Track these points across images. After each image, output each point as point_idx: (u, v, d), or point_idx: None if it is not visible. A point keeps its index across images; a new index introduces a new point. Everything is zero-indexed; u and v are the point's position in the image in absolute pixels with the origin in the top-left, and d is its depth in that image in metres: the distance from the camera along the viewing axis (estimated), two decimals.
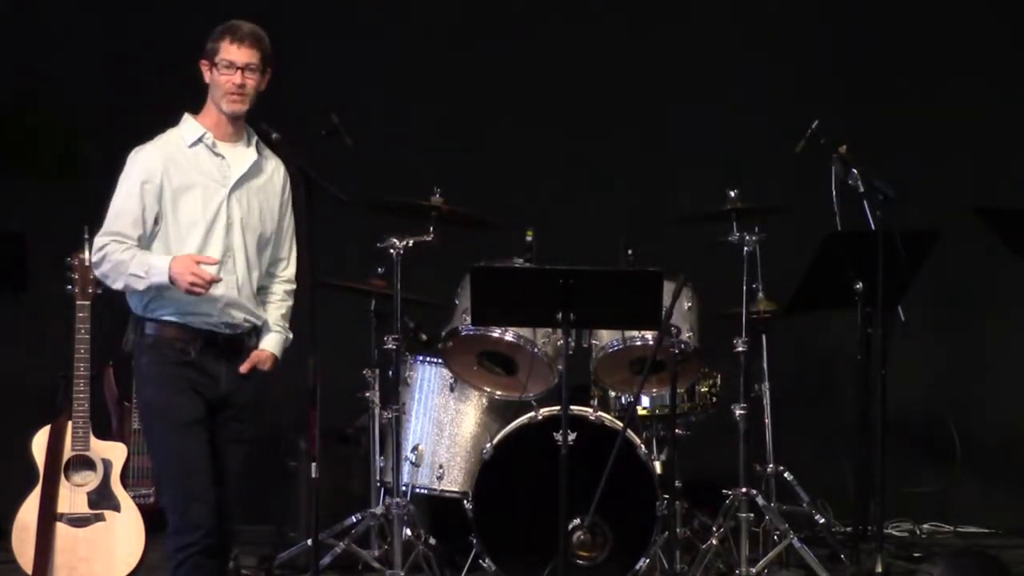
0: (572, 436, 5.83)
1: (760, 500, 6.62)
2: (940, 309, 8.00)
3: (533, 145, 8.11)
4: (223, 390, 5.20)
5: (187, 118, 5.27)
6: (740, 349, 6.63)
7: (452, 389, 6.82)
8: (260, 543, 7.07)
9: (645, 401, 6.94)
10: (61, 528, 6.31)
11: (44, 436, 6.37)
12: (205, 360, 5.17)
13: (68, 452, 6.35)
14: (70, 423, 6.36)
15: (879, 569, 6.26)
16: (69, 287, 6.35)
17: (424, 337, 6.98)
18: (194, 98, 5.29)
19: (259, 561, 6.91)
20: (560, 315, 5.78)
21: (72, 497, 6.33)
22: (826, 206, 6.49)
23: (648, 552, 6.42)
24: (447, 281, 6.83)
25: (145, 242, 5.15)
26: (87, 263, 6.32)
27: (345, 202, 5.32)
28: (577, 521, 6.22)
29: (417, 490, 6.74)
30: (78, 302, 6.33)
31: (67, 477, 6.35)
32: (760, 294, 6.90)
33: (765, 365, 7.12)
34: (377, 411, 6.87)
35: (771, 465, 7.06)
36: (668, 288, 6.15)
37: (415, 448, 6.74)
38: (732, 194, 6.74)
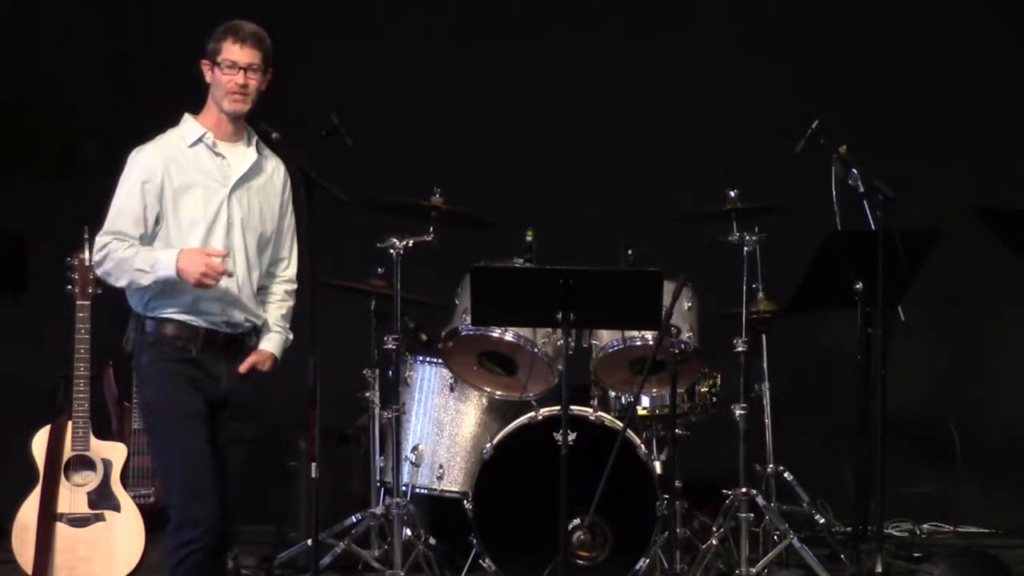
0: (572, 436, 5.83)
1: (760, 500, 6.62)
2: (940, 309, 8.00)
3: (533, 145, 8.11)
4: (223, 389, 5.21)
5: (187, 118, 5.27)
6: (740, 349, 6.63)
7: (452, 389, 6.82)
8: (260, 543, 7.08)
9: (645, 401, 6.94)
10: (61, 528, 6.31)
11: (44, 436, 6.37)
12: (206, 359, 5.17)
13: (68, 452, 6.35)
14: (70, 423, 6.36)
15: (879, 569, 6.25)
16: (69, 287, 6.35)
17: (424, 337, 6.98)
18: (194, 98, 5.29)
19: (259, 561, 6.91)
20: (560, 315, 5.77)
21: (72, 497, 6.33)
22: (826, 206, 6.49)
23: (648, 552, 6.43)
24: (447, 281, 6.83)
25: (146, 242, 5.15)
26: (87, 263, 6.32)
27: (345, 202, 5.32)
28: (577, 521, 6.22)
29: (417, 490, 6.74)
30: (78, 302, 6.33)
31: (67, 477, 6.35)
32: (760, 294, 6.90)
33: (765, 365, 7.13)
34: (377, 411, 6.87)
35: (771, 465, 7.07)
36: (668, 288, 6.15)
37: (415, 448, 6.75)
38: (732, 194, 6.75)
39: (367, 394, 6.94)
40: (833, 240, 6.53)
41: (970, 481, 8.03)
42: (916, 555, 7.16)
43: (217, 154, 5.23)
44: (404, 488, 6.63)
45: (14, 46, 7.96)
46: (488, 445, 6.56)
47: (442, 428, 6.80)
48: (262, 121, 5.29)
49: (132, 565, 6.29)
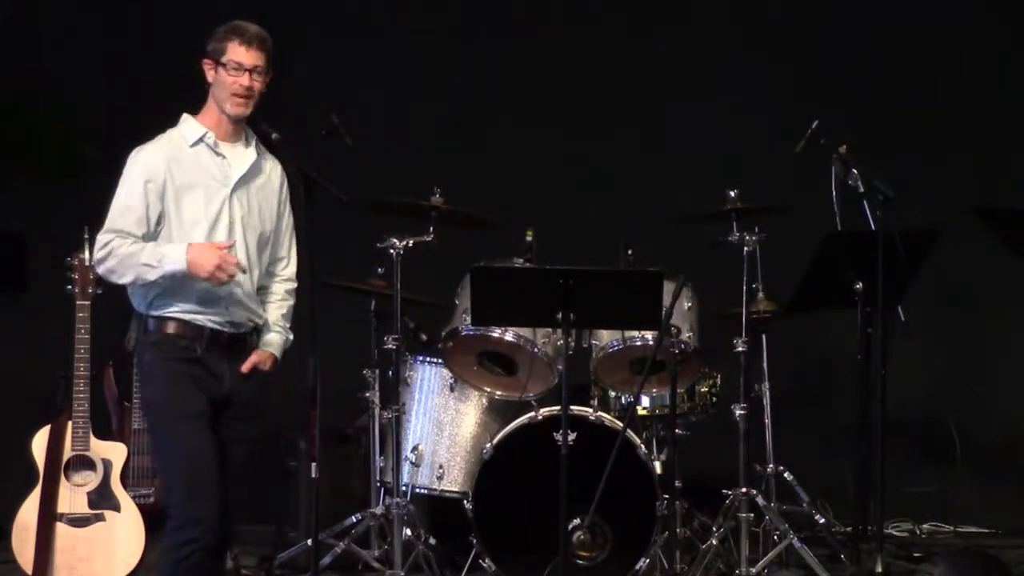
0: (572, 436, 5.83)
1: (760, 500, 6.62)
2: (940, 309, 8.00)
3: (533, 145, 8.11)
4: (226, 389, 5.20)
5: (187, 118, 5.27)
6: (740, 349, 6.63)
7: (452, 389, 6.82)
8: (260, 543, 7.08)
9: (645, 401, 6.94)
10: (61, 528, 6.31)
11: (44, 436, 6.37)
12: (210, 358, 5.17)
13: (68, 452, 6.35)
14: (70, 423, 6.36)
15: (879, 569, 6.25)
16: (69, 287, 6.35)
17: (424, 337, 6.98)
18: (194, 98, 5.28)
19: (259, 561, 6.91)
20: (560, 315, 5.77)
21: (72, 497, 6.33)
22: (826, 206, 6.48)
23: (648, 552, 6.43)
24: (447, 281, 6.83)
25: (148, 241, 5.14)
26: (87, 263, 6.33)
27: (345, 202, 5.32)
28: (577, 521, 6.22)
29: (417, 490, 6.74)
30: (78, 302, 6.33)
31: (67, 477, 6.35)
32: (760, 294, 6.90)
33: (765, 365, 7.13)
34: (377, 411, 6.88)
35: (771, 465, 7.07)
36: (668, 288, 6.15)
37: (415, 448, 6.75)
38: (732, 194, 6.75)
39: (367, 394, 6.94)
40: (833, 240, 6.53)
41: (970, 481, 8.03)
42: (916, 555, 7.16)
43: (218, 154, 5.23)
44: (404, 488, 6.63)
45: (14, 46, 7.96)
46: (488, 445, 6.56)
47: (442, 428, 6.80)
48: (262, 121, 5.28)
49: (132, 565, 6.29)
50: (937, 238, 6.59)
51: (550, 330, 6.50)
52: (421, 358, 6.87)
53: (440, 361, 6.78)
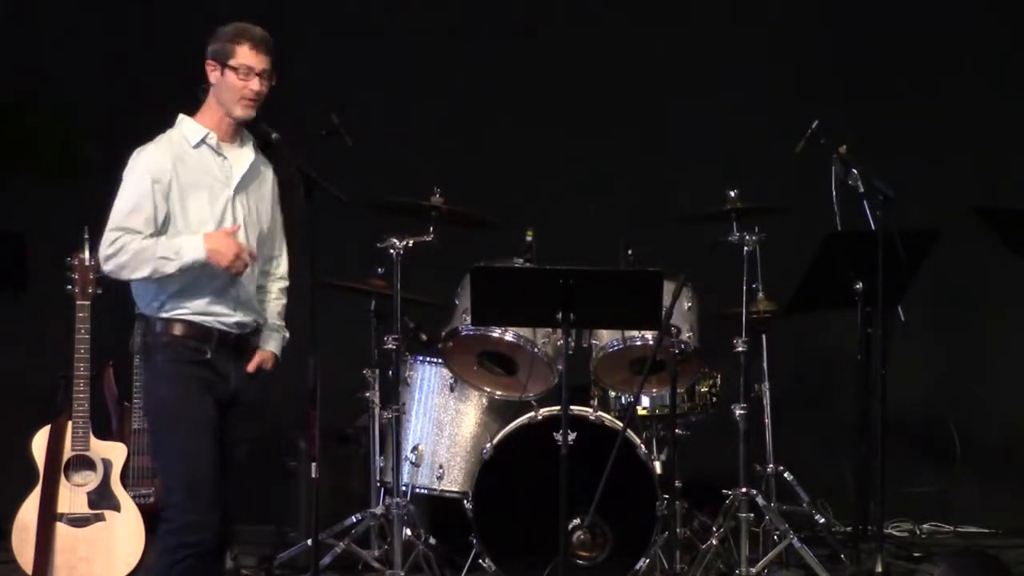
0: (572, 436, 5.83)
1: (760, 500, 6.62)
2: (940, 309, 8.00)
3: (533, 145, 8.11)
4: (232, 388, 5.20)
5: (185, 119, 5.24)
6: (740, 349, 6.63)
7: (452, 389, 6.82)
8: (260, 543, 7.08)
9: (645, 401, 6.94)
10: (61, 528, 6.31)
11: (44, 436, 6.37)
12: (219, 360, 5.17)
13: (68, 452, 6.35)
14: (70, 423, 6.36)
15: (879, 569, 6.25)
16: (69, 287, 6.35)
17: (424, 337, 6.98)
18: (194, 98, 5.27)
19: (259, 561, 6.91)
20: (560, 315, 5.77)
21: (72, 497, 6.33)
22: (826, 206, 6.48)
23: (648, 552, 6.42)
24: (447, 281, 6.83)
25: None
26: (87, 263, 6.33)
27: (345, 202, 5.32)
28: (577, 521, 6.22)
29: (417, 490, 6.74)
30: (78, 302, 6.33)
31: (67, 477, 6.35)
32: (760, 294, 6.90)
33: (765, 365, 7.13)
34: (377, 411, 6.88)
35: (771, 465, 7.07)
36: (668, 288, 6.15)
37: (415, 448, 6.75)
38: (732, 194, 6.75)
39: (367, 394, 6.94)
40: (833, 240, 6.52)
41: (970, 481, 8.03)
42: (916, 555, 7.17)
43: (220, 155, 5.23)
44: (404, 488, 6.63)
45: (14, 46, 7.96)
46: (488, 445, 6.56)
47: (442, 428, 6.80)
48: (262, 121, 5.28)
49: (132, 565, 6.29)
50: (937, 238, 6.58)
51: (550, 330, 6.50)
52: (421, 358, 6.87)
53: (440, 361, 6.78)
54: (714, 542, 6.56)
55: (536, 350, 6.55)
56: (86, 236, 6.33)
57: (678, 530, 6.61)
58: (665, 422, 6.85)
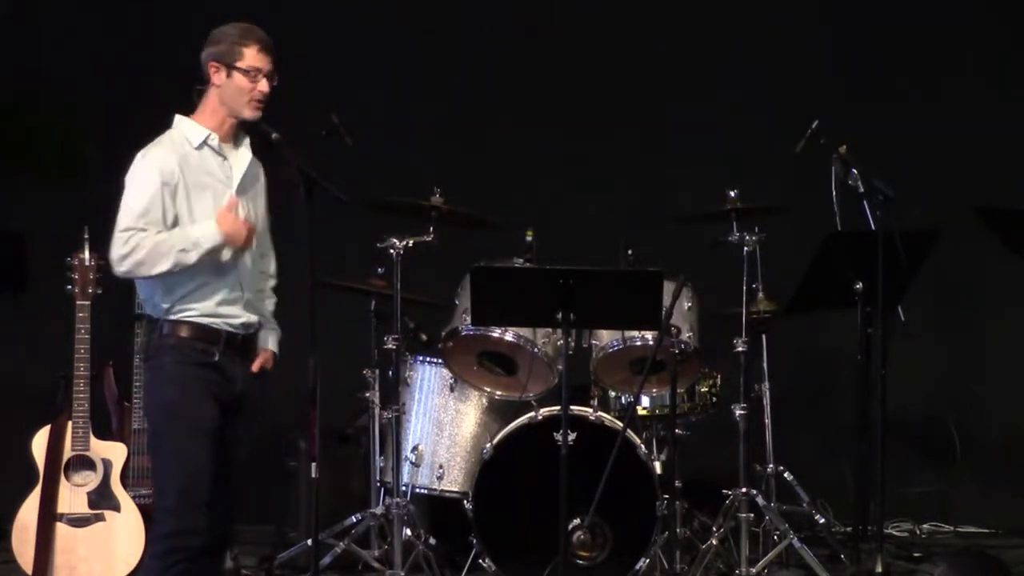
0: (572, 436, 5.83)
1: (760, 500, 6.62)
2: (940, 309, 8.00)
3: (533, 145, 8.10)
4: (238, 390, 5.20)
5: (183, 120, 5.22)
6: (740, 349, 6.63)
7: (452, 389, 6.82)
8: (260, 543, 7.08)
9: (645, 401, 6.94)
10: (61, 528, 6.31)
11: (44, 436, 6.38)
12: (226, 362, 5.16)
13: (68, 452, 6.35)
14: (70, 423, 6.36)
15: (879, 569, 6.25)
16: (69, 287, 6.35)
17: (424, 337, 6.98)
18: (191, 98, 5.27)
19: (259, 561, 6.91)
20: (560, 315, 5.77)
21: (72, 497, 6.33)
22: (826, 206, 6.49)
23: (648, 552, 6.42)
24: (447, 281, 6.83)
25: None
26: (87, 263, 6.33)
27: (345, 202, 5.31)
28: (577, 521, 6.22)
29: (417, 490, 6.74)
30: (78, 302, 6.33)
31: (67, 477, 6.35)
32: (760, 294, 6.90)
33: (765, 365, 7.13)
34: (377, 411, 6.88)
35: (771, 465, 7.07)
36: (668, 288, 6.15)
37: (415, 448, 6.75)
38: (732, 194, 6.75)
39: (367, 394, 6.94)
40: (833, 240, 6.53)
41: (970, 481, 8.03)
42: (916, 555, 7.17)
43: (220, 155, 5.22)
44: (404, 488, 6.63)
45: (14, 46, 7.96)
46: (488, 445, 6.56)
47: (442, 428, 6.80)
48: (262, 121, 5.27)
49: (132, 565, 6.29)
50: (937, 238, 6.59)
51: (550, 330, 6.50)
52: (421, 358, 6.87)
53: (440, 361, 6.78)
54: (714, 542, 6.56)
55: (536, 350, 6.55)
56: (86, 236, 6.33)
57: (678, 530, 6.61)
58: (665, 422, 6.85)
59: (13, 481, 6.45)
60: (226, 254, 5.13)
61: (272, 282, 5.43)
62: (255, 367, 5.24)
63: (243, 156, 5.27)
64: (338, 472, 7.18)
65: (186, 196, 5.12)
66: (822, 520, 7.09)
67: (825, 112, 6.71)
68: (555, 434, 5.91)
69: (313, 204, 5.28)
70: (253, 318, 5.25)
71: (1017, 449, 8.00)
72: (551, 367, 6.59)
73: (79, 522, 6.32)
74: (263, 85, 5.15)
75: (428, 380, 6.85)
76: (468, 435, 6.80)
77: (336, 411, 6.87)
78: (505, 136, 8.15)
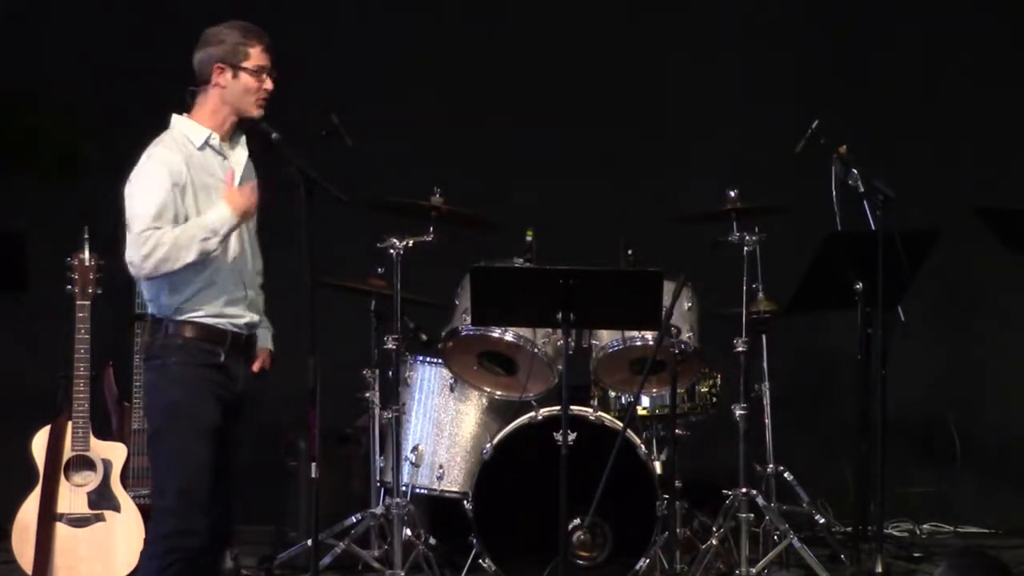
0: (572, 436, 5.83)
1: (760, 500, 6.62)
2: (940, 309, 8.00)
3: (533, 145, 8.10)
4: (240, 390, 5.19)
5: (183, 119, 5.20)
6: (740, 349, 6.63)
7: (452, 389, 6.82)
8: (260, 543, 7.08)
9: (645, 401, 6.94)
10: (61, 528, 6.31)
11: (44, 436, 6.38)
12: (231, 362, 5.15)
13: (68, 452, 6.35)
14: (70, 423, 6.36)
15: (879, 569, 6.26)
16: (69, 287, 6.36)
17: (424, 337, 6.98)
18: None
19: (259, 561, 6.91)
20: (560, 315, 5.77)
21: (72, 497, 6.33)
22: (826, 206, 6.49)
23: (648, 552, 6.43)
24: (447, 281, 6.82)
25: None
26: (87, 263, 6.34)
27: (345, 202, 5.30)
28: (577, 521, 6.22)
29: (417, 490, 6.74)
30: (78, 302, 6.33)
31: (67, 477, 6.35)
32: (760, 294, 6.90)
33: (765, 365, 7.12)
34: (377, 411, 6.88)
35: (771, 465, 7.06)
36: (668, 288, 6.15)
37: (415, 448, 6.74)
38: (732, 194, 6.75)
39: (367, 394, 6.94)
40: (833, 240, 6.53)
41: (970, 481, 8.03)
42: (916, 555, 7.17)
43: (221, 155, 5.22)
44: (404, 488, 6.63)
45: (14, 46, 7.96)
46: (488, 445, 6.56)
47: (442, 428, 6.80)
48: (263, 121, 5.27)
49: (132, 565, 6.28)
50: (937, 238, 6.59)
51: (550, 330, 6.50)
52: (421, 358, 6.87)
53: (440, 361, 6.78)
54: (714, 542, 6.56)
55: (536, 350, 6.55)
56: (86, 236, 6.33)
57: (678, 530, 6.61)
58: (665, 422, 6.85)
59: (13, 481, 6.44)
60: (234, 248, 5.13)
61: (260, 279, 5.42)
62: (256, 367, 5.24)
63: (240, 155, 5.27)
64: (338, 472, 7.17)
65: (194, 196, 5.10)
66: (822, 520, 7.08)
67: (825, 112, 6.70)
68: (555, 434, 5.92)
69: (313, 204, 5.28)
70: (255, 318, 5.25)
71: (1017, 449, 8.00)
72: (551, 367, 6.59)
73: (79, 522, 6.32)
74: (268, 83, 5.16)
75: (428, 380, 6.85)
76: (468, 435, 6.80)
77: (336, 411, 6.86)
78: (505, 136, 8.14)
